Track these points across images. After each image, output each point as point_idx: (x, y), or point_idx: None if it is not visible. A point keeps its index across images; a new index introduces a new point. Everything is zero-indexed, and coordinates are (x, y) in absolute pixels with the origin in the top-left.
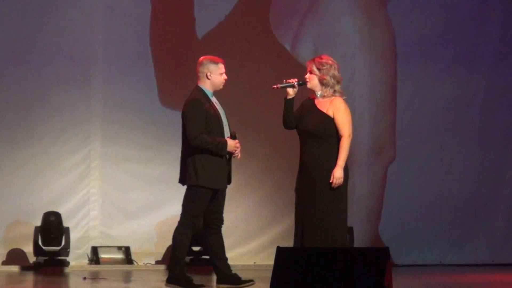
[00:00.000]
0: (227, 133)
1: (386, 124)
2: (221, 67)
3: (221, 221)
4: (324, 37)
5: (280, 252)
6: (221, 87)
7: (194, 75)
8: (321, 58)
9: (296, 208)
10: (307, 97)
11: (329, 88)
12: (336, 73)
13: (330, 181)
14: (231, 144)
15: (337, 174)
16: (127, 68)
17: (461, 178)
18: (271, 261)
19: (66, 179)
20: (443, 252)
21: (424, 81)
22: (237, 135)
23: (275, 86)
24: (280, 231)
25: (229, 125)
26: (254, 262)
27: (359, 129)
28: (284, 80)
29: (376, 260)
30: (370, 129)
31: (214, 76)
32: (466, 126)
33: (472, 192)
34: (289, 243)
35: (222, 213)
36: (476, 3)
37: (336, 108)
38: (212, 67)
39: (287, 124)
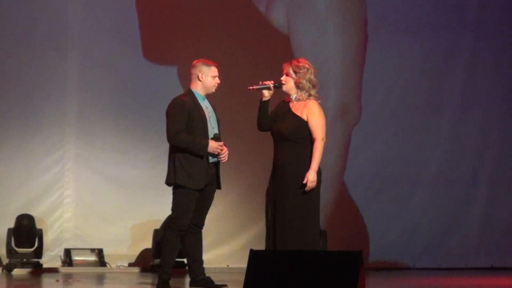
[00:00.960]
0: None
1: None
2: (213, 70)
3: (201, 222)
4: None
5: (253, 255)
6: (213, 90)
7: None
8: (298, 62)
9: (267, 210)
10: (282, 99)
11: (304, 92)
12: (312, 77)
13: (304, 183)
14: (213, 145)
15: (311, 178)
16: (102, 72)
17: (433, 182)
18: (244, 264)
19: (40, 181)
20: (417, 256)
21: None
22: (221, 138)
23: (251, 87)
24: (253, 234)
25: (219, 130)
26: (228, 265)
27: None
28: (260, 82)
29: (349, 264)
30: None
31: (205, 78)
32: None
33: (444, 195)
34: (262, 246)
35: (204, 215)
36: None
37: (311, 111)
38: (204, 69)
39: (261, 126)
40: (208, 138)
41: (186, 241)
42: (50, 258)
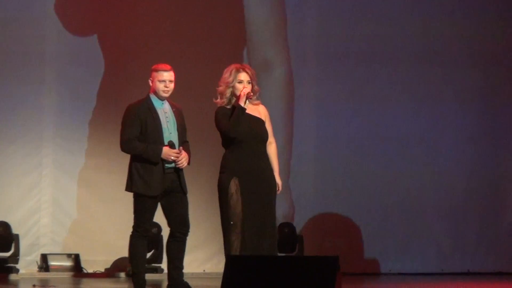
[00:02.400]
0: (175, 142)
1: None
2: (160, 74)
3: (185, 230)
4: None
5: (230, 260)
6: (163, 94)
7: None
8: (250, 69)
9: (234, 215)
10: (217, 107)
11: (256, 95)
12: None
13: (278, 188)
14: (166, 152)
15: (280, 182)
16: (80, 76)
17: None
18: (220, 269)
19: (18, 186)
20: (393, 261)
21: None
22: (175, 145)
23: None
24: None
25: (179, 134)
26: (204, 270)
27: None
28: (247, 94)
29: (326, 269)
30: None
31: (154, 83)
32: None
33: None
34: None
35: (185, 222)
36: None
37: (268, 116)
38: (153, 73)
39: (236, 133)
40: (163, 144)
41: (169, 248)
42: (27, 263)
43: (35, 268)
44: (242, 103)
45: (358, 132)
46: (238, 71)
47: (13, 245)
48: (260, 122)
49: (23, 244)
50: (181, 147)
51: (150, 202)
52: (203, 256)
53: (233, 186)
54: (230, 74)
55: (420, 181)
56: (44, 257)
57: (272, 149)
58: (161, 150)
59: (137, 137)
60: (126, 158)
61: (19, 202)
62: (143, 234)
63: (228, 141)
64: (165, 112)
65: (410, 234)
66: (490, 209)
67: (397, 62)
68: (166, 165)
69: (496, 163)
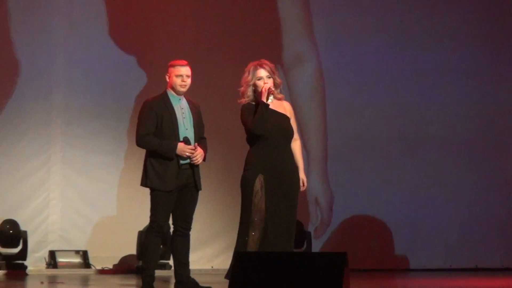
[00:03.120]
0: (191, 138)
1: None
2: (177, 69)
3: (187, 225)
4: None
5: (238, 256)
6: (180, 89)
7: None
8: (267, 63)
9: (258, 211)
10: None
11: (279, 90)
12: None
13: (303, 185)
14: (181, 147)
15: (305, 178)
16: (88, 72)
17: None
18: (228, 265)
19: (26, 183)
20: (403, 257)
21: None
22: (190, 140)
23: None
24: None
25: (195, 130)
26: (212, 266)
27: None
28: (270, 92)
29: (334, 265)
30: None
31: (171, 78)
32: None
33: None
34: None
35: (188, 218)
36: None
37: (292, 113)
38: (170, 69)
39: (261, 130)
40: (178, 140)
41: (173, 245)
42: (36, 260)
43: (43, 265)
44: (264, 99)
45: (367, 130)
46: (256, 68)
47: (21, 241)
48: (285, 118)
49: (32, 240)
50: (196, 143)
51: (165, 197)
52: (211, 253)
53: (258, 183)
54: (249, 73)
55: (426, 178)
56: (52, 254)
57: (297, 146)
58: (176, 146)
59: (153, 132)
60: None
61: (28, 199)
62: (157, 230)
63: (253, 138)
64: (181, 108)
65: (418, 230)
66: (499, 205)
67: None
68: (181, 161)
69: (504, 159)
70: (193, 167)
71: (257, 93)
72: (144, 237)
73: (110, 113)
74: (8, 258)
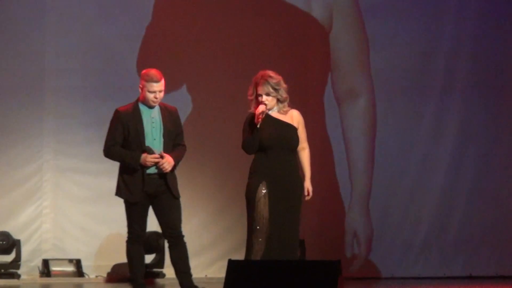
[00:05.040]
0: (158, 147)
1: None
2: (150, 85)
3: (173, 233)
4: None
5: (232, 265)
6: (153, 104)
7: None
8: (271, 77)
9: (261, 218)
10: (249, 111)
11: (286, 103)
12: (285, 85)
13: (306, 194)
14: (143, 157)
15: (311, 187)
16: (80, 80)
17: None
18: (222, 274)
19: (19, 191)
20: (396, 265)
21: None
22: (152, 150)
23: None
24: (232, 244)
25: (165, 140)
26: (206, 275)
27: None
28: (262, 112)
29: (328, 273)
30: None
31: (143, 91)
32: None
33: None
34: (241, 255)
35: (172, 225)
36: None
37: (301, 121)
38: (143, 82)
39: (249, 152)
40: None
41: (170, 255)
42: (29, 269)
43: (37, 274)
44: (257, 122)
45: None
46: (256, 84)
47: (14, 250)
48: (290, 128)
49: (25, 249)
50: (161, 152)
51: (134, 208)
52: (206, 261)
53: (262, 190)
54: (252, 86)
55: (422, 184)
56: (45, 263)
57: (305, 154)
58: (139, 156)
59: (120, 143)
60: None
61: (21, 207)
62: (135, 239)
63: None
64: (152, 117)
65: (413, 239)
66: (492, 213)
67: None
68: (148, 171)
69: (498, 166)
70: (164, 175)
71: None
72: (126, 250)
73: (102, 121)
74: (1, 267)
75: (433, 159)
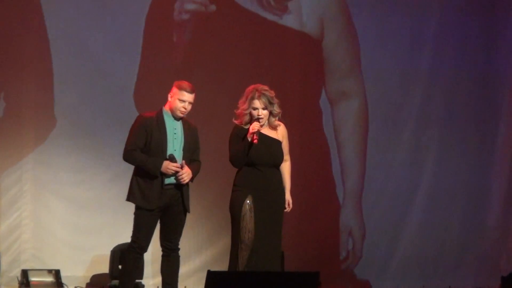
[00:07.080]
0: (178, 159)
1: None
2: (182, 94)
3: (170, 245)
4: None
5: (211, 276)
6: (178, 113)
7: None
8: (267, 90)
9: (247, 232)
10: (234, 125)
11: (277, 117)
12: (277, 99)
13: (287, 206)
14: (165, 164)
15: (291, 200)
16: (60, 90)
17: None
18: (201, 285)
19: None
20: (375, 278)
21: None
22: (175, 158)
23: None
24: (211, 255)
25: (184, 153)
26: (185, 287)
27: None
28: (256, 131)
29: (307, 284)
30: None
31: (173, 100)
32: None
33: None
34: (220, 267)
35: (172, 237)
36: None
37: (285, 135)
38: (175, 89)
39: (238, 166)
40: (165, 159)
41: (161, 264)
42: (9, 279)
43: (16, 284)
44: (252, 140)
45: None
46: (252, 98)
47: None
48: (275, 143)
49: (4, 260)
50: (183, 162)
51: (147, 216)
52: (184, 273)
53: (248, 203)
54: (246, 100)
55: (402, 198)
56: (24, 273)
57: (286, 166)
58: (161, 163)
59: (140, 148)
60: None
61: (0, 218)
62: (137, 251)
63: None
64: (174, 128)
65: (391, 250)
66: (472, 226)
67: None
68: (166, 180)
69: (478, 180)
70: (180, 187)
71: (251, 121)
72: (125, 256)
73: (81, 131)
74: None
75: (414, 173)
